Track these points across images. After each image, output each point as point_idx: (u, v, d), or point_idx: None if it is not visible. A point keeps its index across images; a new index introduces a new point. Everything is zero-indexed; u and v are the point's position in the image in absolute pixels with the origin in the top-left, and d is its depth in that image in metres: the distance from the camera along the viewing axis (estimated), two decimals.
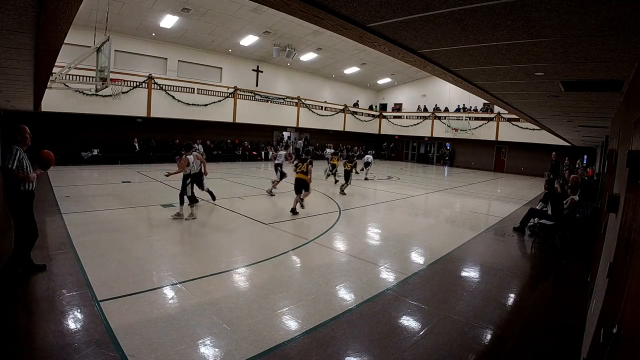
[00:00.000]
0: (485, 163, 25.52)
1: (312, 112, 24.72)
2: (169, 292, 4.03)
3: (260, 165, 20.43)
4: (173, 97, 17.83)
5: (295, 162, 8.75)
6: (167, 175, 7.63)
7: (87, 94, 14.90)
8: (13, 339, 3.00)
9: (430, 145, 29.37)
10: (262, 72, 23.06)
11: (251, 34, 18.57)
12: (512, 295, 4.60)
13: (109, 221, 6.89)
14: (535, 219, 7.55)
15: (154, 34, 17.71)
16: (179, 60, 19.66)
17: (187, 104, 18.27)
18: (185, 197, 7.26)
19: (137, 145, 17.71)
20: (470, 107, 25.60)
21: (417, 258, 5.82)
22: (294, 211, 8.15)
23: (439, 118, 26.43)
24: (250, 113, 21.20)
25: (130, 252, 5.22)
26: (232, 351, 2.97)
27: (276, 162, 11.15)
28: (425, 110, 27.87)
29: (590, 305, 3.36)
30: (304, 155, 9.25)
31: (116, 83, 14.85)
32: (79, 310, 3.49)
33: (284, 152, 11.89)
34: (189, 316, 3.48)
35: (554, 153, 16.48)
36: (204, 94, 19.17)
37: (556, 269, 5.85)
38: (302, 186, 8.13)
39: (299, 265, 5.27)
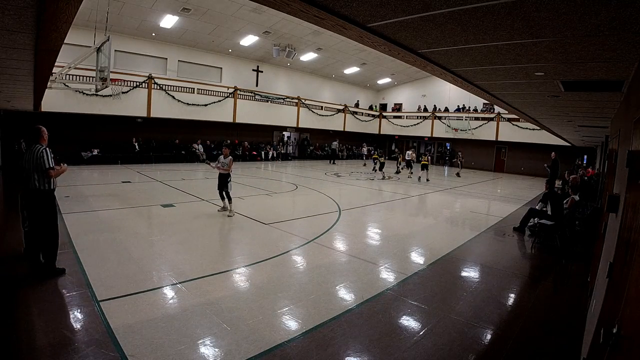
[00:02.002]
0: (485, 163, 25.52)
1: (312, 112, 24.71)
2: (169, 292, 4.03)
3: (260, 165, 20.43)
4: (173, 97, 17.82)
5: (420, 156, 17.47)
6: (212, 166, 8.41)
7: (87, 94, 14.90)
8: (13, 339, 3.00)
9: (430, 145, 29.38)
10: (262, 72, 23.05)
11: (251, 34, 18.57)
12: (512, 295, 4.60)
13: (109, 221, 6.89)
14: (535, 219, 7.55)
15: (154, 34, 17.71)
16: (179, 60, 19.65)
17: (187, 104, 18.27)
18: (225, 193, 7.92)
19: (137, 145, 17.72)
20: (469, 107, 25.60)
21: (417, 258, 5.82)
22: (419, 179, 16.38)
23: (439, 118, 26.42)
24: (250, 113, 21.20)
25: (130, 252, 5.22)
26: (232, 351, 2.97)
27: (407, 159, 18.74)
28: (425, 110, 27.86)
29: (590, 305, 3.35)
30: (426, 153, 17.29)
31: (116, 83, 14.84)
32: (79, 310, 3.49)
33: (411, 152, 19.08)
34: (189, 316, 3.48)
35: (553, 153, 16.51)
36: (204, 94, 19.16)
37: (556, 269, 5.85)
38: (425, 168, 16.40)
39: (299, 265, 5.27)
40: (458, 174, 20.04)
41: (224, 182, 7.81)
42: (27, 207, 4.28)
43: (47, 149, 4.27)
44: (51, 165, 4.18)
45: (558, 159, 16.38)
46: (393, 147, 28.95)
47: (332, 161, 24.33)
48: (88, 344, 2.93)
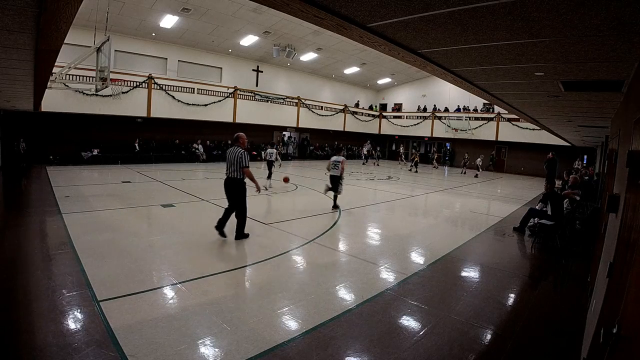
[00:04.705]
0: (485, 163, 25.52)
1: (312, 112, 24.71)
2: (169, 292, 4.03)
3: (260, 165, 20.39)
4: (173, 97, 17.82)
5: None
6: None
7: (87, 94, 14.90)
8: (13, 339, 3.00)
9: (430, 145, 29.39)
10: (262, 72, 23.05)
11: (251, 34, 18.57)
12: (512, 295, 4.60)
13: (109, 221, 6.89)
14: (535, 219, 7.54)
15: (154, 34, 17.71)
16: (179, 60, 19.65)
17: (187, 104, 18.27)
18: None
19: (137, 145, 17.72)
20: (469, 107, 25.60)
21: (417, 258, 5.82)
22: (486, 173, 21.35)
23: (439, 118, 26.42)
24: (250, 113, 21.20)
25: (130, 252, 5.22)
26: (232, 351, 2.97)
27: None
28: (425, 110, 27.85)
29: (590, 305, 3.36)
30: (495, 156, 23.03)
31: (116, 83, 14.84)
32: (79, 310, 3.49)
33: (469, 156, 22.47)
34: (189, 316, 3.48)
35: (550, 153, 16.57)
36: (204, 94, 19.16)
37: (556, 269, 5.85)
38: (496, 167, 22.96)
39: (299, 265, 5.27)
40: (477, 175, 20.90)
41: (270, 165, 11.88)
42: (226, 190, 5.83)
43: (245, 152, 5.72)
44: (248, 165, 5.68)
45: (556, 158, 16.39)
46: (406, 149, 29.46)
47: (366, 160, 26.01)
48: (88, 344, 2.93)
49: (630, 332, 1.45)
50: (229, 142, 21.64)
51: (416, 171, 20.90)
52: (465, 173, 21.68)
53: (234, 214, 5.91)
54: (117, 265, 4.66)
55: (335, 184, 8.81)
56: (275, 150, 12.49)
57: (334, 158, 8.96)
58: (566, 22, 1.97)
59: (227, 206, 5.95)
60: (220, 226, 5.92)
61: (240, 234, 5.99)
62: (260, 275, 4.71)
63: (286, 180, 10.64)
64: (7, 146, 14.07)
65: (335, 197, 9.00)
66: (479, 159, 22.02)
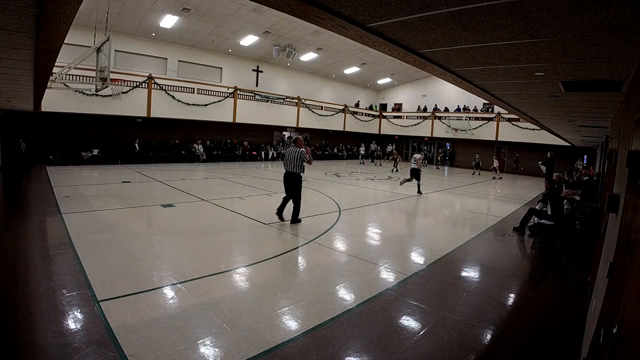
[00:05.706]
0: (485, 163, 25.52)
1: (312, 112, 24.71)
2: (169, 292, 4.03)
3: (260, 165, 20.43)
4: (173, 97, 17.82)
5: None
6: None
7: (87, 94, 14.90)
8: (13, 339, 3.00)
9: (430, 145, 29.39)
10: (262, 72, 23.05)
11: (251, 34, 18.57)
12: (512, 295, 4.60)
13: (109, 221, 6.89)
14: (535, 219, 7.54)
15: (154, 34, 17.71)
16: (179, 60, 19.65)
17: (187, 104, 18.27)
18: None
19: (137, 145, 17.72)
20: (469, 107, 25.59)
21: (417, 258, 5.82)
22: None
23: (439, 118, 26.41)
24: (250, 113, 21.20)
25: (130, 252, 5.22)
26: (232, 351, 2.97)
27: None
28: (425, 110, 27.85)
29: (590, 305, 3.36)
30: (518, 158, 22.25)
31: (116, 83, 14.84)
32: (79, 310, 3.49)
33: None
34: (189, 316, 3.48)
35: (549, 152, 16.56)
36: (204, 94, 19.16)
37: (556, 269, 5.85)
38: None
39: (299, 265, 5.27)
40: (500, 177, 20.81)
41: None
42: (286, 182, 7.08)
43: (302, 150, 6.98)
44: (309, 159, 7.08)
45: (555, 158, 16.42)
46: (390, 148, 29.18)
47: (371, 160, 26.81)
48: (88, 344, 2.93)
49: (630, 332, 1.45)
50: (228, 141, 21.69)
51: (397, 171, 20.33)
52: (479, 174, 21.36)
53: (290, 201, 7.17)
54: (117, 266, 4.66)
55: (417, 174, 12.12)
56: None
57: (414, 155, 12.53)
58: (566, 22, 1.97)
59: (284, 196, 7.23)
60: (279, 212, 7.23)
61: (295, 219, 7.21)
62: (260, 275, 4.70)
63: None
64: (7, 146, 14.07)
65: (418, 186, 12.24)
66: (495, 162, 21.67)
